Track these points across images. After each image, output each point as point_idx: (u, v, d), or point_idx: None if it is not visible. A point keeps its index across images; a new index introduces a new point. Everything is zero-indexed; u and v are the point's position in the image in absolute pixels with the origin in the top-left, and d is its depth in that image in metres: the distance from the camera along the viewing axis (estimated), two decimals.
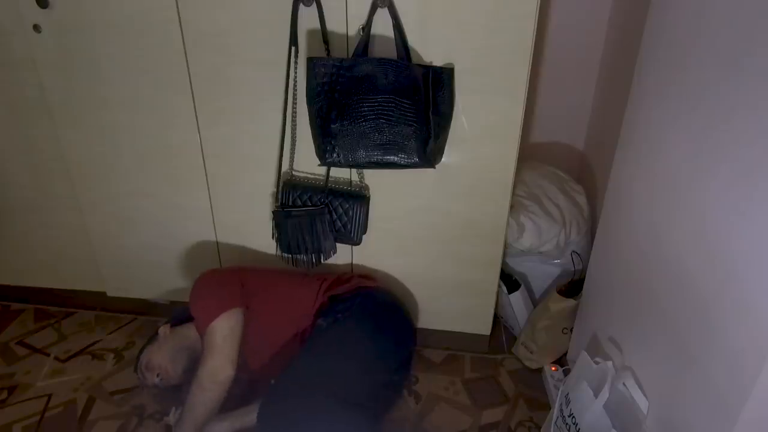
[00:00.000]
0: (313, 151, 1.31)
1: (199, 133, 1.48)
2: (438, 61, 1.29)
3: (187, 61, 1.39)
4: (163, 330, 1.48)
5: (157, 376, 1.43)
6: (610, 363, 1.15)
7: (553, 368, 1.57)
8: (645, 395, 1.05)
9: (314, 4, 1.27)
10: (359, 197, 1.45)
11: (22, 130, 1.60)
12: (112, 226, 1.68)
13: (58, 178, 1.64)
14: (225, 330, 1.34)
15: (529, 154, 1.92)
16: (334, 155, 1.27)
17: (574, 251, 1.66)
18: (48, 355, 1.71)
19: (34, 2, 1.37)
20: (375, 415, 1.39)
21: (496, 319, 1.75)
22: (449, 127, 1.34)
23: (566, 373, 1.49)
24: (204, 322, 1.36)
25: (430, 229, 1.51)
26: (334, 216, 1.46)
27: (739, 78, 0.80)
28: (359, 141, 1.25)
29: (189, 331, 1.47)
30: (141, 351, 1.48)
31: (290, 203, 1.46)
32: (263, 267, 1.56)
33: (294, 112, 1.38)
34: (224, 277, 1.45)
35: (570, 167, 1.91)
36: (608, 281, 1.33)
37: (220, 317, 1.34)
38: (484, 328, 1.65)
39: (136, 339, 1.78)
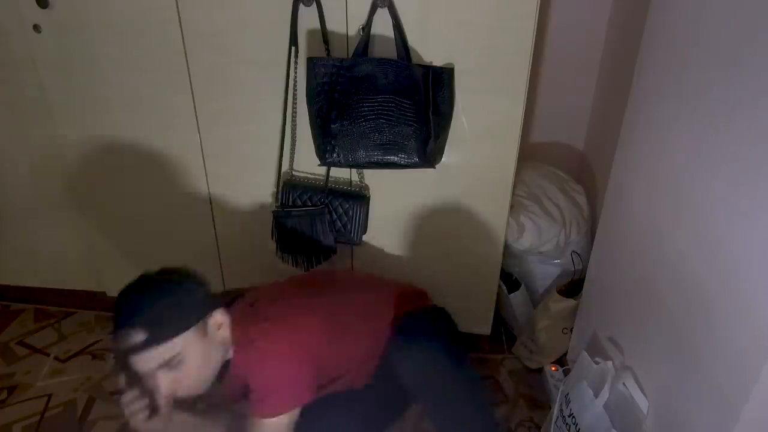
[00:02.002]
0: (313, 151, 1.31)
1: (199, 133, 1.48)
2: (438, 61, 1.29)
3: (187, 61, 1.39)
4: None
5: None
6: (610, 363, 1.15)
7: (553, 368, 1.57)
8: (645, 395, 1.05)
9: (314, 4, 1.27)
10: (359, 197, 1.45)
11: (22, 130, 1.60)
12: (112, 226, 1.68)
13: (58, 178, 1.64)
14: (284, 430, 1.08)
15: (529, 154, 1.91)
16: (334, 155, 1.27)
17: (574, 251, 1.66)
18: (48, 355, 1.71)
19: (34, 2, 1.36)
20: None
21: (496, 319, 1.75)
22: (449, 127, 1.34)
23: (566, 373, 1.49)
24: (273, 407, 1.07)
25: (430, 229, 1.51)
26: (334, 216, 1.46)
27: (740, 77, 0.80)
28: (359, 141, 1.25)
29: (226, 333, 1.09)
30: (129, 350, 0.94)
31: (290, 203, 1.46)
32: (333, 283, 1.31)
33: (294, 112, 1.38)
34: (305, 364, 1.09)
35: (570, 167, 1.91)
36: (608, 281, 1.32)
37: (288, 414, 1.07)
38: (484, 328, 1.65)
39: None
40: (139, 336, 0.93)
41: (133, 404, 0.98)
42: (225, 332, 1.07)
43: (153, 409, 0.97)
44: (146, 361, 0.95)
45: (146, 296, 0.99)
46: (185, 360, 0.98)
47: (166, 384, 0.97)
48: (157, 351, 0.95)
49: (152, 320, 0.95)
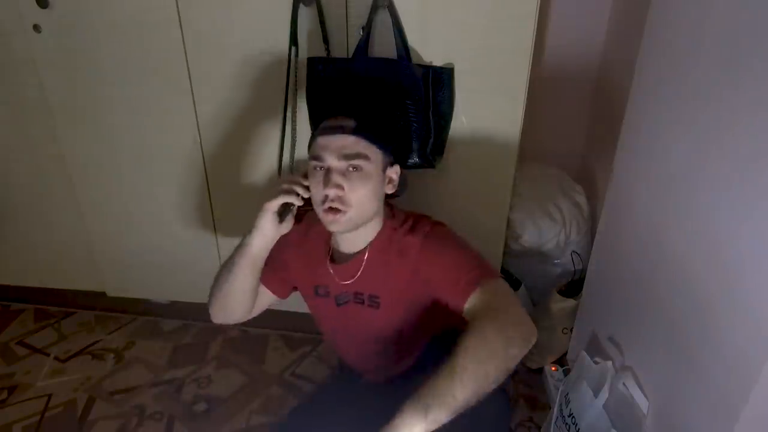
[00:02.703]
0: None
1: (199, 133, 1.48)
2: (438, 61, 1.29)
3: (187, 61, 1.39)
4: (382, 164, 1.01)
5: (329, 201, 0.96)
6: (610, 363, 1.15)
7: (553, 368, 1.57)
8: (645, 395, 1.05)
9: (314, 4, 1.27)
10: None
11: (22, 130, 1.60)
12: (112, 226, 1.68)
13: (58, 178, 1.64)
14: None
15: (529, 154, 1.92)
16: None
17: (574, 251, 1.66)
18: (48, 355, 1.71)
19: (34, 2, 1.36)
20: None
21: None
22: (449, 127, 1.34)
23: (566, 373, 1.49)
24: (489, 273, 0.94)
25: None
26: None
27: (743, 78, 0.80)
28: None
29: (389, 191, 1.05)
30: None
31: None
32: None
33: (294, 112, 1.38)
34: None
35: (570, 167, 1.91)
36: (608, 281, 1.32)
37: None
38: None
39: (136, 339, 1.78)
40: (351, 123, 0.97)
41: (292, 185, 1.00)
42: (388, 191, 1.05)
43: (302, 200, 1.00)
44: (344, 145, 0.96)
45: (376, 105, 1.11)
46: (364, 170, 0.97)
47: (337, 178, 0.95)
48: (357, 141, 0.96)
49: (369, 121, 0.99)
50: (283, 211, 1.01)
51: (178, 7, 1.33)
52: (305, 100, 1.28)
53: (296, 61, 1.33)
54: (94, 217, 1.68)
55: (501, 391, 0.95)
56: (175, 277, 1.73)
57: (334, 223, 0.99)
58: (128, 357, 1.71)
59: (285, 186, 1.00)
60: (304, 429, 1.11)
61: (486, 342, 0.79)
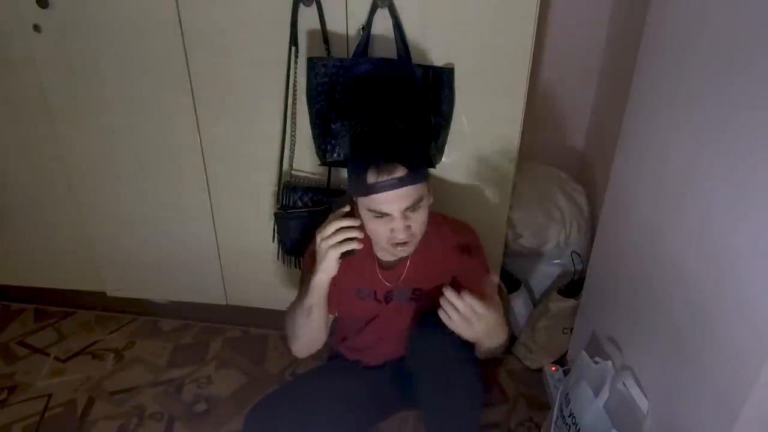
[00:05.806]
0: (314, 151, 1.31)
1: (199, 133, 1.48)
2: (438, 61, 1.29)
3: (187, 61, 1.39)
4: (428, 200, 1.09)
5: (402, 244, 1.04)
6: (609, 363, 1.15)
7: (553, 368, 1.57)
8: (645, 395, 1.05)
9: (314, 4, 1.27)
10: None
11: (22, 130, 1.60)
12: (112, 226, 1.68)
13: (58, 178, 1.64)
14: None
15: (529, 154, 1.92)
16: (335, 155, 1.27)
17: (574, 251, 1.66)
18: (48, 355, 1.71)
19: (34, 2, 1.36)
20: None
21: None
22: (449, 127, 1.34)
23: (566, 373, 1.49)
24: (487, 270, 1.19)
25: None
26: None
27: (740, 77, 0.80)
28: None
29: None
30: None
31: (291, 204, 1.45)
32: None
33: (294, 112, 1.38)
34: None
35: (570, 167, 1.91)
36: (608, 281, 1.33)
37: None
38: None
39: (136, 339, 1.78)
40: (400, 172, 0.99)
41: (351, 232, 1.00)
42: (431, 200, 1.10)
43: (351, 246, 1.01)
44: (404, 197, 1.00)
45: (404, 142, 1.10)
46: (422, 206, 1.05)
47: (405, 223, 1.02)
48: (413, 190, 1.01)
49: (412, 162, 1.01)
50: (344, 253, 1.03)
51: (178, 7, 1.33)
52: (305, 100, 1.28)
53: (296, 61, 1.33)
54: (94, 217, 1.68)
55: (471, 361, 1.10)
56: (175, 277, 1.73)
57: (403, 252, 1.08)
58: (128, 357, 1.71)
59: (345, 234, 1.01)
60: (297, 399, 1.15)
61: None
